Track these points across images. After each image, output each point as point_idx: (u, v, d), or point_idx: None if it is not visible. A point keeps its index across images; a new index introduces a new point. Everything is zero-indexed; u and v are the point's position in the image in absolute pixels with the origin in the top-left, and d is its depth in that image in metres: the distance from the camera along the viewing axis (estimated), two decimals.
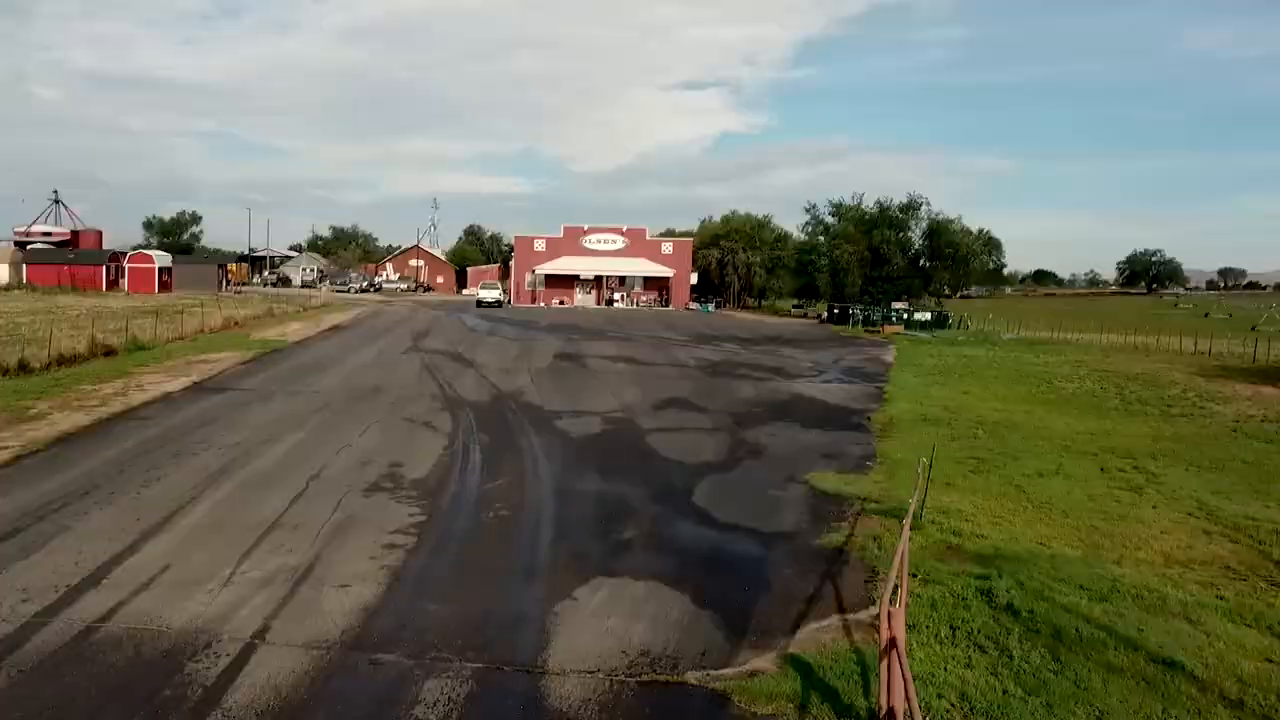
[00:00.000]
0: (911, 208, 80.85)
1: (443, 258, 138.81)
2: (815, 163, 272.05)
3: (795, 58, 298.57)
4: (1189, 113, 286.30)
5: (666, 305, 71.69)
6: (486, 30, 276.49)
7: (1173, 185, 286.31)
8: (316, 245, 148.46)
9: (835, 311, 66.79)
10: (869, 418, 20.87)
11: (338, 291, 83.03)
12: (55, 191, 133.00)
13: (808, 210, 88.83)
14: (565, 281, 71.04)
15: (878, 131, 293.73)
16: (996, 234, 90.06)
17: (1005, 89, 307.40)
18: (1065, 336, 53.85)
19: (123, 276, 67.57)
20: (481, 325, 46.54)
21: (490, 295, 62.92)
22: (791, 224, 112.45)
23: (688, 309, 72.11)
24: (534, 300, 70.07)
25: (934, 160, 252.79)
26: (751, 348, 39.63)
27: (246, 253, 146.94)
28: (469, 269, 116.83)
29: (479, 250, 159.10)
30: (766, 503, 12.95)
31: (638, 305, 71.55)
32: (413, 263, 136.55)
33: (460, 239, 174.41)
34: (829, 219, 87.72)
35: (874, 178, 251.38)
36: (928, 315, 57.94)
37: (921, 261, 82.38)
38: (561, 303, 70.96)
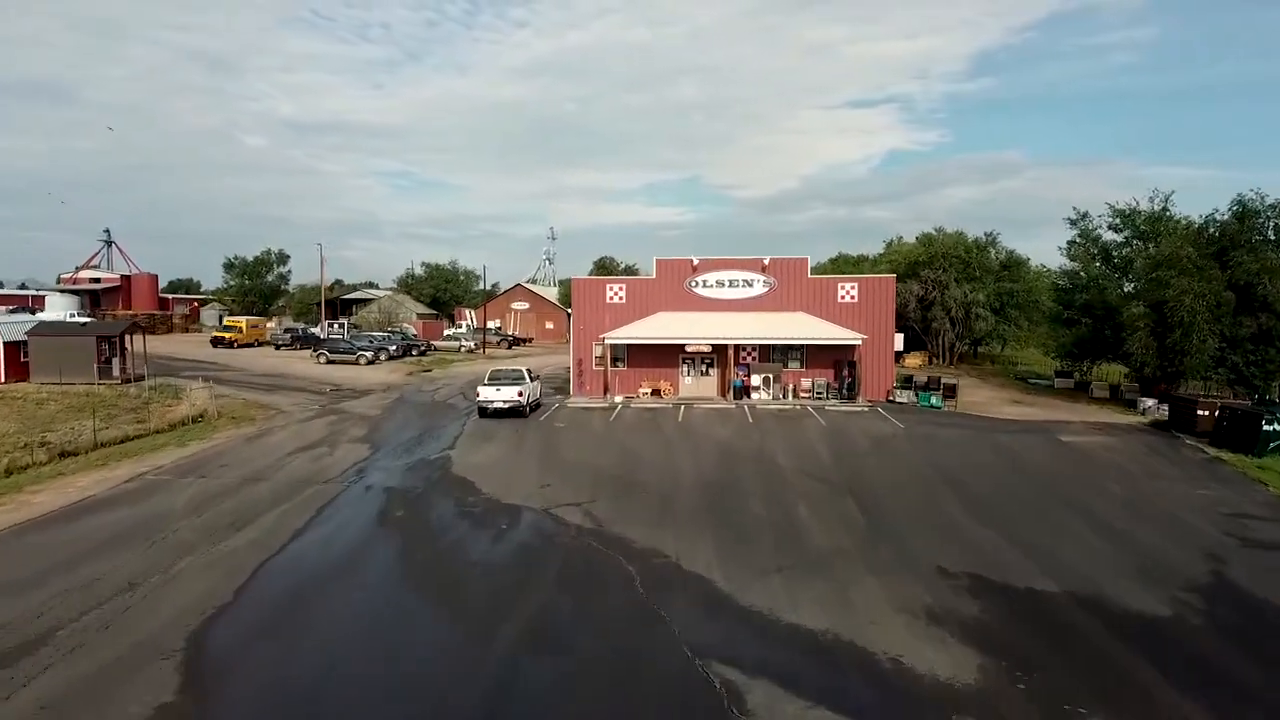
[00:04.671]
0: None
1: (554, 300, 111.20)
2: (989, 179, 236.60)
3: (969, 70, 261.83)
4: None
5: (850, 394, 38.61)
6: (650, 61, 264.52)
7: None
8: (408, 284, 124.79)
9: (1229, 415, 31.26)
10: None
11: (334, 362, 55.13)
12: (107, 231, 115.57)
13: (1074, 223, 53.81)
14: (661, 356, 39.54)
15: (1057, 144, 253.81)
16: None
17: (1205, 89, 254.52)
18: None
19: None
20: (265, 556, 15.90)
21: (500, 396, 32.17)
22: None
23: (891, 401, 38.73)
24: (606, 389, 38.90)
25: (1119, 172, 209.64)
26: None
27: (326, 298, 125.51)
28: None
29: None
30: None
31: (796, 400, 38.89)
32: (514, 306, 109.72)
33: (590, 273, 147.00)
34: (1112, 234, 52.60)
35: (1052, 193, 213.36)
36: None
37: None
38: (657, 393, 39.42)
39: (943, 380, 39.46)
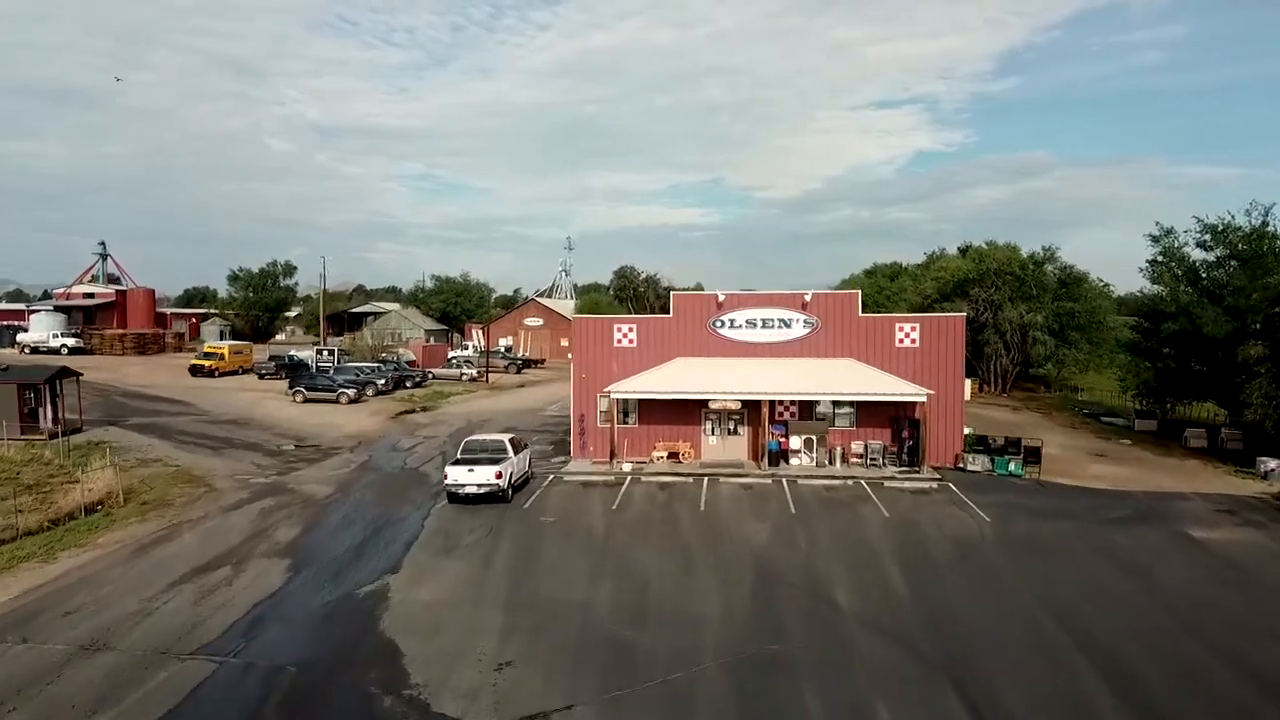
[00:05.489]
0: None
1: (569, 315, 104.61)
2: (1015, 179, 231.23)
3: (995, 69, 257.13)
4: None
5: (911, 460, 31.58)
6: (673, 62, 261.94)
7: None
8: (417, 299, 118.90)
9: None
10: None
11: (312, 401, 48.68)
12: (102, 244, 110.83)
13: (1156, 240, 46.55)
14: (680, 410, 32.70)
15: (1083, 143, 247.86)
16: None
17: (1233, 88, 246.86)
18: None
19: None
20: None
21: (474, 479, 25.29)
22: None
23: (960, 469, 31.67)
24: (612, 454, 32.05)
25: (1146, 171, 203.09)
26: None
27: (336, 311, 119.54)
28: None
29: (626, 301, 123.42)
30: None
31: (845, 467, 31.94)
32: (527, 322, 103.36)
33: (610, 283, 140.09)
34: (1201, 253, 45.35)
35: (1078, 193, 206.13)
36: None
37: None
38: (675, 456, 32.60)
39: (1024, 443, 32.27)
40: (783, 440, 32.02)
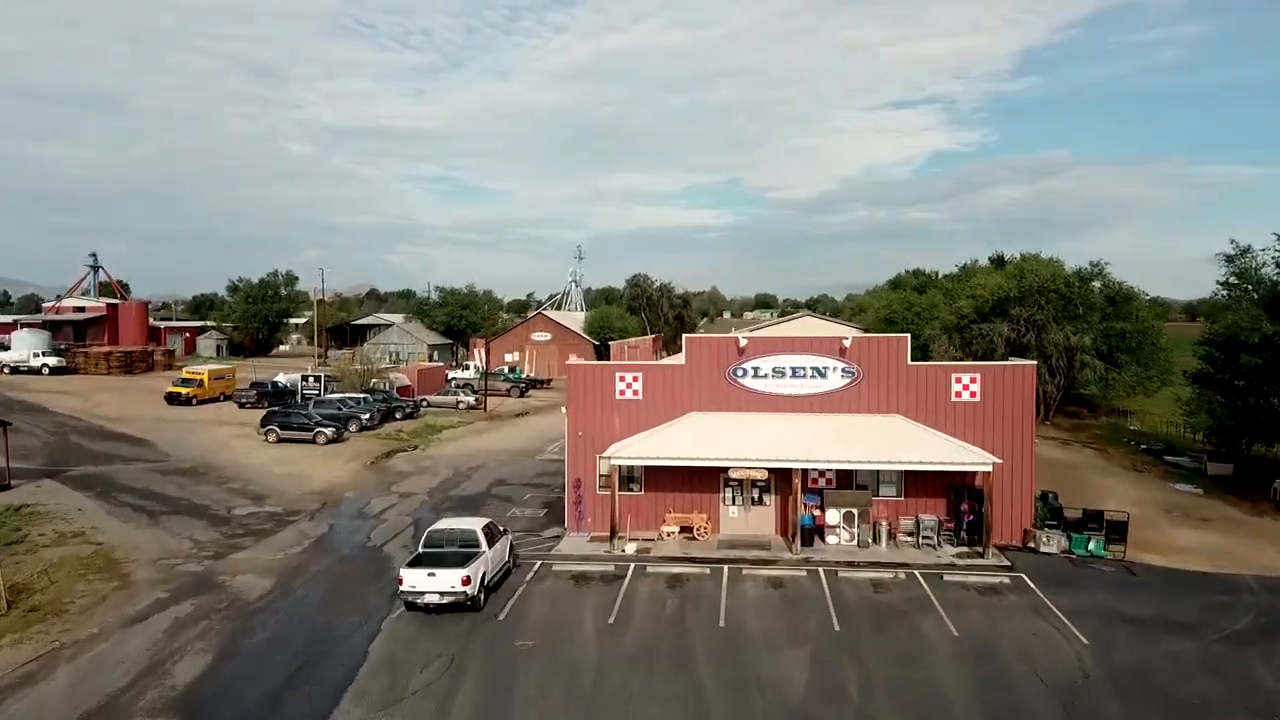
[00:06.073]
0: None
1: (579, 329, 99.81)
2: (1033, 179, 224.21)
3: (1012, 69, 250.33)
4: None
5: (972, 538, 26.25)
6: (688, 63, 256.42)
7: None
8: (422, 310, 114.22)
9: None
10: None
11: (286, 440, 43.72)
12: (93, 256, 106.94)
13: (1230, 260, 41.34)
14: (695, 479, 27.54)
15: (1102, 143, 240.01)
16: None
17: (1253, 86, 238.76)
18: None
19: None
20: None
21: (435, 585, 20.00)
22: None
23: (1032, 550, 26.32)
24: (613, 530, 26.85)
25: (1166, 171, 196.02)
26: None
27: (339, 322, 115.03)
28: (612, 344, 76.32)
29: (639, 312, 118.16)
30: None
31: (892, 549, 26.64)
32: (534, 337, 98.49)
33: (623, 292, 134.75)
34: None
35: (1097, 192, 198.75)
36: None
37: None
38: (688, 531, 27.41)
39: (1105, 516, 26.86)
40: (817, 514, 26.77)
